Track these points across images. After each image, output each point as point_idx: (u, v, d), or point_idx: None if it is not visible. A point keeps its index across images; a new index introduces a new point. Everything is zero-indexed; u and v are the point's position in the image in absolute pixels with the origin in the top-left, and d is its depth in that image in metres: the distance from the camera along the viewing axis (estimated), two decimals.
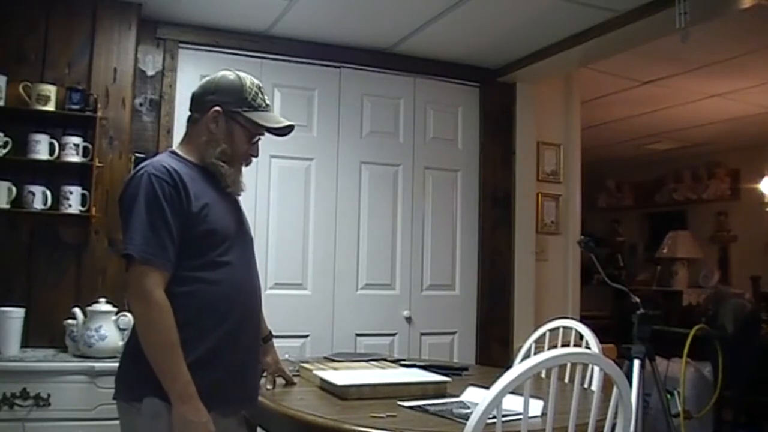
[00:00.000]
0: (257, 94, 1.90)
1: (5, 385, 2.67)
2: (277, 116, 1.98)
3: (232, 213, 1.91)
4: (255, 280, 1.95)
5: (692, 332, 2.81)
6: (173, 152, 1.90)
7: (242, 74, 1.92)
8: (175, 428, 1.65)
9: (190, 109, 1.93)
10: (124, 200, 1.76)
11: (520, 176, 4.23)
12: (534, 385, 1.83)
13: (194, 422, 1.65)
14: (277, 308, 3.36)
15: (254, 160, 1.98)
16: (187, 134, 1.94)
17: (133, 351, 1.77)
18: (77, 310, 2.94)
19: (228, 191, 1.90)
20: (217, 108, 1.86)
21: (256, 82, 1.93)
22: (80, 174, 3.14)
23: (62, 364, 2.81)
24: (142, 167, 1.77)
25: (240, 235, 1.91)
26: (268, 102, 1.94)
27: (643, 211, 8.05)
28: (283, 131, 1.96)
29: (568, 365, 2.21)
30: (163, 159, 1.83)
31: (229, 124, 1.87)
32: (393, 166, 3.98)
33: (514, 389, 1.49)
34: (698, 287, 6.83)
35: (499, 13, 3.35)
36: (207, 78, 1.94)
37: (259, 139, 1.95)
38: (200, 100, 1.90)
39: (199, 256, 1.77)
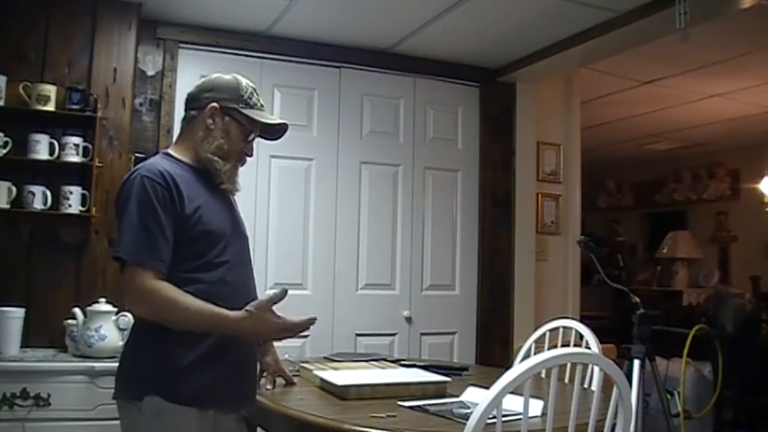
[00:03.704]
0: (253, 93, 1.94)
1: (5, 385, 2.67)
2: (271, 115, 2.02)
3: (226, 212, 1.91)
4: (251, 279, 1.96)
5: (692, 332, 2.81)
6: (167, 154, 1.91)
7: (238, 76, 1.97)
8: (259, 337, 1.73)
9: (186, 108, 1.95)
10: (118, 203, 1.77)
11: (520, 176, 4.23)
12: (534, 385, 1.83)
13: (267, 323, 1.75)
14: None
15: (249, 159, 1.99)
16: (182, 133, 1.95)
17: (132, 350, 1.78)
18: (77, 310, 2.94)
19: (223, 188, 1.91)
20: (215, 104, 1.88)
21: (251, 84, 1.97)
22: (80, 174, 3.14)
23: (62, 364, 2.81)
24: (135, 170, 1.79)
25: (235, 234, 1.92)
26: (263, 103, 1.98)
27: (643, 211, 8.05)
28: (276, 133, 2.00)
29: (568, 365, 2.21)
30: (156, 161, 1.83)
31: (226, 120, 1.89)
32: (393, 166, 3.98)
33: (514, 389, 1.49)
34: (698, 287, 6.83)
35: (499, 13, 3.35)
36: (203, 79, 1.98)
37: (254, 138, 1.96)
38: (197, 98, 1.92)
39: (197, 257, 1.77)
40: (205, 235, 1.79)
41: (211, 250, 1.80)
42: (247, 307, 1.70)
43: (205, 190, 1.85)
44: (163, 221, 1.71)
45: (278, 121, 1.98)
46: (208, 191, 1.86)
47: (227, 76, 1.94)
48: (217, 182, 1.89)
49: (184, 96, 1.97)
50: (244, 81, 1.94)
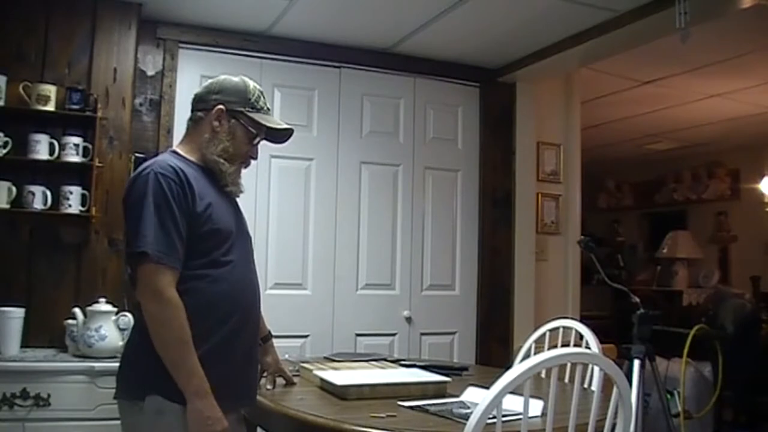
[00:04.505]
0: (260, 97, 1.95)
1: (5, 385, 2.67)
2: (278, 119, 2.02)
3: (232, 212, 1.93)
4: (255, 279, 1.96)
5: (692, 332, 2.81)
6: (174, 152, 1.92)
7: (246, 78, 1.97)
8: (191, 424, 1.66)
9: (193, 109, 1.95)
10: (131, 199, 1.76)
11: (520, 176, 4.23)
12: (534, 385, 1.83)
13: (211, 417, 1.66)
14: (277, 308, 3.36)
15: (252, 162, 2.00)
16: (187, 134, 1.96)
17: (134, 350, 1.78)
18: (77, 310, 2.94)
19: (227, 191, 1.91)
20: (221, 106, 1.88)
21: (258, 86, 1.98)
22: (80, 174, 3.14)
23: (62, 364, 2.81)
24: (148, 166, 1.78)
25: (240, 234, 1.93)
26: (269, 106, 1.99)
27: (643, 211, 8.05)
28: (281, 137, 2.02)
29: (568, 365, 2.21)
30: (167, 158, 1.84)
31: (232, 123, 1.90)
32: (393, 166, 3.98)
33: (514, 389, 1.49)
34: (698, 287, 6.83)
35: (498, 13, 3.35)
36: (210, 80, 1.98)
37: (260, 141, 1.97)
38: (204, 99, 1.92)
39: (203, 255, 1.78)
40: (213, 234, 1.79)
41: (218, 248, 1.80)
42: (222, 414, 1.69)
43: (213, 190, 1.86)
44: (178, 219, 1.72)
45: (284, 126, 1.99)
46: (215, 190, 1.87)
47: (235, 78, 1.94)
48: (221, 184, 1.89)
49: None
50: (251, 84, 1.95)
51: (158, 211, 1.70)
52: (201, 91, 1.95)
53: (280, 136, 2.01)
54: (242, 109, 1.90)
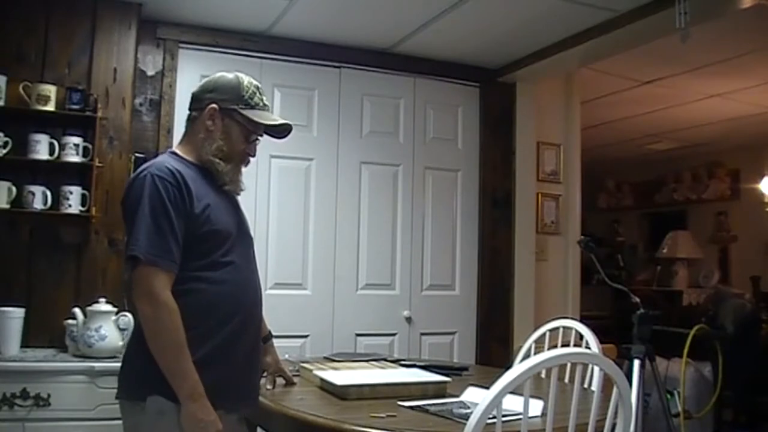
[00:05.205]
0: (255, 93, 1.92)
1: (5, 385, 2.67)
2: (274, 115, 1.99)
3: (232, 213, 1.92)
4: (256, 279, 1.96)
5: (692, 332, 2.82)
6: (173, 152, 1.92)
7: (241, 74, 1.95)
8: (185, 427, 1.66)
9: (189, 108, 1.95)
10: (128, 202, 1.77)
11: (520, 176, 4.23)
12: (534, 385, 1.83)
13: (204, 420, 1.66)
14: (277, 308, 3.36)
15: (252, 160, 1.99)
16: (186, 133, 1.95)
17: (135, 350, 1.78)
18: (77, 310, 2.94)
19: (226, 189, 1.91)
20: (214, 105, 1.87)
21: (255, 82, 1.95)
22: (80, 174, 3.14)
23: (62, 364, 2.81)
24: (145, 168, 1.78)
25: (241, 235, 1.92)
26: (266, 102, 1.96)
27: (643, 211, 8.05)
28: (280, 132, 1.99)
29: (568, 365, 2.21)
30: (164, 160, 1.83)
31: (226, 121, 1.89)
32: (393, 166, 3.98)
33: (514, 389, 1.49)
34: (698, 287, 6.83)
35: (498, 13, 3.35)
36: (206, 78, 1.97)
37: (257, 139, 1.95)
38: (199, 98, 1.91)
39: (203, 256, 1.78)
40: (212, 235, 1.79)
41: (217, 249, 1.80)
42: (216, 417, 1.68)
43: (211, 190, 1.86)
44: (174, 222, 1.72)
45: (278, 122, 1.96)
46: (214, 191, 1.87)
47: (230, 75, 1.92)
48: (219, 183, 1.89)
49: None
50: (246, 80, 1.92)
51: (154, 214, 1.70)
52: (197, 90, 1.94)
53: (278, 131, 1.98)
54: (235, 106, 1.88)
